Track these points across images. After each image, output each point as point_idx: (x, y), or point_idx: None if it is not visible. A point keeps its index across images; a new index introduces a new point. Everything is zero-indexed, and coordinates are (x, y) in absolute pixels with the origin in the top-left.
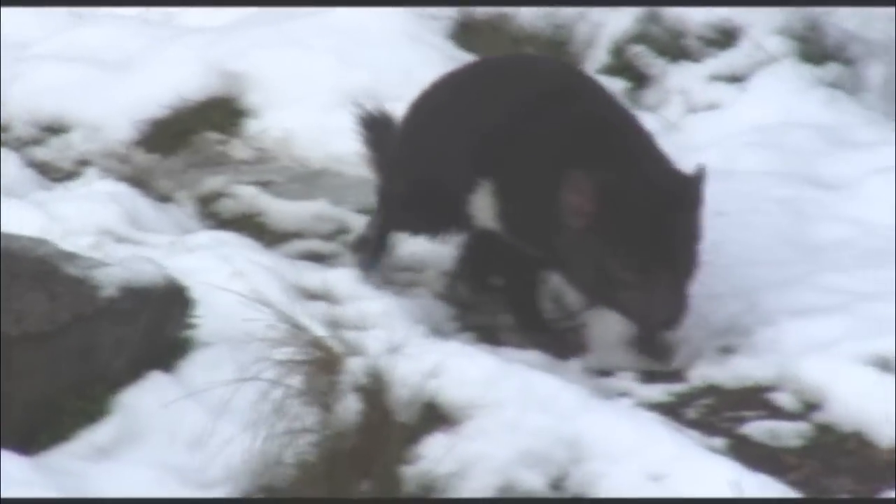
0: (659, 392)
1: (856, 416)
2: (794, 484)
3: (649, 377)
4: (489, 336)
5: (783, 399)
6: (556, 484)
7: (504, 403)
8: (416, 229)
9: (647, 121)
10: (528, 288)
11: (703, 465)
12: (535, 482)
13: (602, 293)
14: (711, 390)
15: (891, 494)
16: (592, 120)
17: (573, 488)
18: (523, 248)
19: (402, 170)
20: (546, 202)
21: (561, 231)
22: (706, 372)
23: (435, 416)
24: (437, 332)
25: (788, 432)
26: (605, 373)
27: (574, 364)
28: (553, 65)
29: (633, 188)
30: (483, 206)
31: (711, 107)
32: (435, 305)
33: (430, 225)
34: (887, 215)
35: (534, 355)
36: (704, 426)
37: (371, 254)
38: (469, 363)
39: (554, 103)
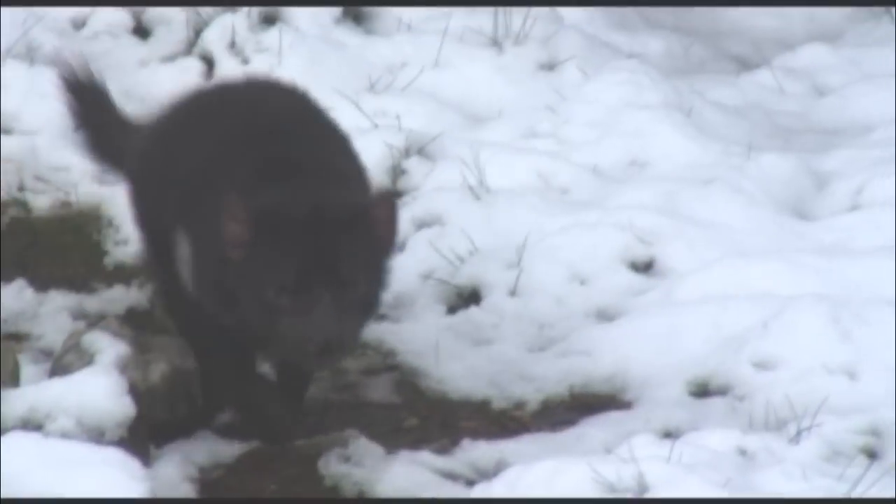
0: None
1: None
2: None
3: None
4: None
5: None
6: None
7: None
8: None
9: None
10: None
11: None
12: None
13: (265, 330)
14: None
15: None
16: (273, 154)
17: None
18: (213, 314)
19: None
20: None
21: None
22: None
23: None
24: None
25: None
26: None
27: None
28: (270, 96)
29: (291, 210)
30: (182, 258)
31: None
32: None
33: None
34: None
35: None
36: None
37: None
38: None
39: (249, 141)
